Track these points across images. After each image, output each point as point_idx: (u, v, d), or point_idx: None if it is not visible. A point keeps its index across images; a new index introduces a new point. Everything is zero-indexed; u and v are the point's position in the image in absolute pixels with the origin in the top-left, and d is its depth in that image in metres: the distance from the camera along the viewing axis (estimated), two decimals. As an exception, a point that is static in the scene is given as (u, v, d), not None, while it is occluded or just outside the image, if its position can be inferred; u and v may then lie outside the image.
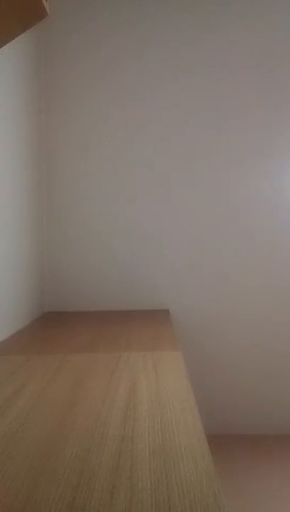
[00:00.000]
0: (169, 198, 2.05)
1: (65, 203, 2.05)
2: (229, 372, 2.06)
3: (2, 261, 1.45)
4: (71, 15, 2.03)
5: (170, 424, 0.70)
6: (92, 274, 2.05)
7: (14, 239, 1.57)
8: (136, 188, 2.05)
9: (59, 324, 1.69)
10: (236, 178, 2.04)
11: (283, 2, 2.03)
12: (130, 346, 1.27)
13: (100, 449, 0.61)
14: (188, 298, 2.05)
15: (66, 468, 0.56)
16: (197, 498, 0.48)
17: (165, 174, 2.05)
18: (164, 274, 2.05)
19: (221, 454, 1.88)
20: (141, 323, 1.68)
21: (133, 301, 2.05)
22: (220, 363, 2.06)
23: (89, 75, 2.04)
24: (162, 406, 0.78)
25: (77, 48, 2.04)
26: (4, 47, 1.49)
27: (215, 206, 2.05)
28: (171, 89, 2.04)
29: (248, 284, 2.05)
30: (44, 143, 2.04)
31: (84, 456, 0.59)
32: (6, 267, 1.48)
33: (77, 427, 0.70)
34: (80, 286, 2.05)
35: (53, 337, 1.43)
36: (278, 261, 2.04)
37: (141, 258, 2.05)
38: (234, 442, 1.98)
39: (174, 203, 2.05)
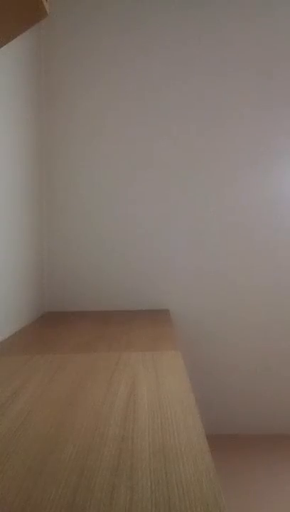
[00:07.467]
0: (169, 198, 2.05)
1: (65, 202, 2.05)
2: (229, 372, 2.06)
3: (2, 261, 1.45)
4: (71, 15, 2.03)
5: (170, 424, 0.70)
6: (92, 274, 2.05)
7: (14, 239, 1.57)
8: (137, 188, 2.05)
9: (59, 324, 1.69)
10: (237, 179, 2.05)
11: (284, 1, 2.03)
12: (130, 346, 1.27)
13: (100, 449, 0.61)
14: (188, 298, 2.05)
15: (66, 468, 0.56)
16: (197, 498, 0.48)
17: (165, 174, 2.05)
18: (164, 274, 2.05)
19: (221, 454, 1.88)
20: (141, 323, 1.68)
21: (133, 301, 2.05)
22: (220, 362, 2.06)
23: (89, 75, 2.04)
24: (162, 406, 0.78)
25: (78, 48, 2.04)
26: (4, 47, 1.49)
27: (215, 206, 2.05)
28: (171, 89, 2.04)
29: (248, 284, 2.05)
30: (44, 142, 2.04)
31: (84, 456, 0.59)
32: (6, 267, 1.48)
33: (77, 427, 0.70)
34: (80, 287, 2.05)
35: (53, 337, 1.43)
36: (278, 261, 2.04)
37: (141, 258, 2.05)
38: (234, 442, 1.98)
39: (174, 203, 2.05)
